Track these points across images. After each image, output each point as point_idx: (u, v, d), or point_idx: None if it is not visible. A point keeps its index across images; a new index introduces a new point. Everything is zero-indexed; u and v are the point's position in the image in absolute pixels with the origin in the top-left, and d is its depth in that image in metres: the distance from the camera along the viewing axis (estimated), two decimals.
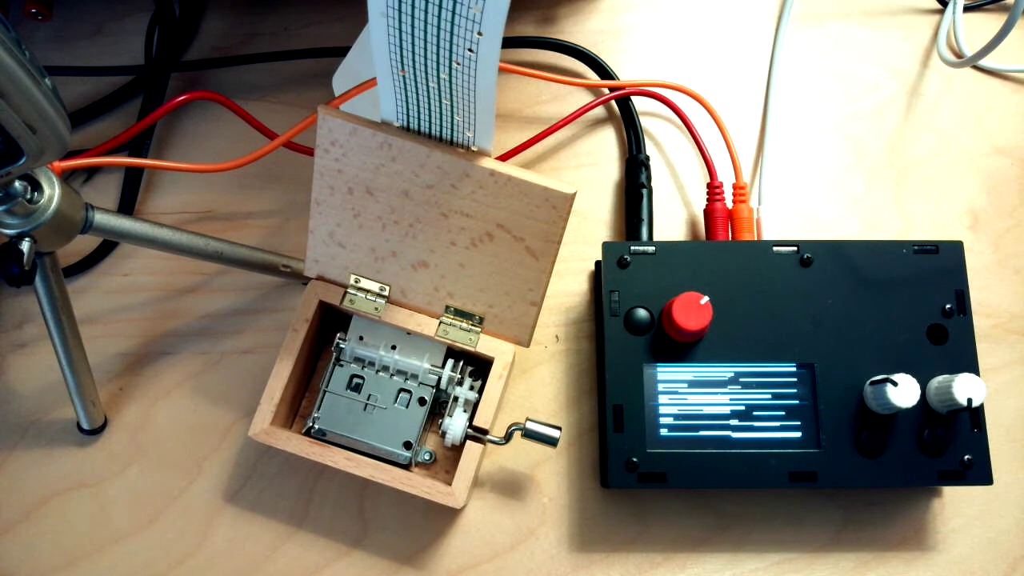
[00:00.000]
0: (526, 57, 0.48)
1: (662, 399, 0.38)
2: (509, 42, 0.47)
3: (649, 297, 0.39)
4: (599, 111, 0.47)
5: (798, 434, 0.38)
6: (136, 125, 0.42)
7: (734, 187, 0.43)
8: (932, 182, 0.46)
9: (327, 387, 0.39)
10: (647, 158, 0.45)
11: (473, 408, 0.38)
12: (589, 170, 0.46)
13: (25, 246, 0.31)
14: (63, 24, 0.49)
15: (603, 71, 0.47)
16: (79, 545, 0.40)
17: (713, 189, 0.43)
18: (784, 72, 0.48)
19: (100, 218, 0.35)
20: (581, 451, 0.41)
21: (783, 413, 0.38)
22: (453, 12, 0.27)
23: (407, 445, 0.39)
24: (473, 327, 0.38)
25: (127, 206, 0.45)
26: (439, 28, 0.28)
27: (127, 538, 0.40)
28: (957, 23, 0.48)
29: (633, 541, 0.40)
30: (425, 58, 0.30)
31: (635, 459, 0.37)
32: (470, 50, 0.28)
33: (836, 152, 0.46)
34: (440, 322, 0.39)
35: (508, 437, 0.38)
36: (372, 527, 0.40)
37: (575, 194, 0.35)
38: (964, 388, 0.35)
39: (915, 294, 0.38)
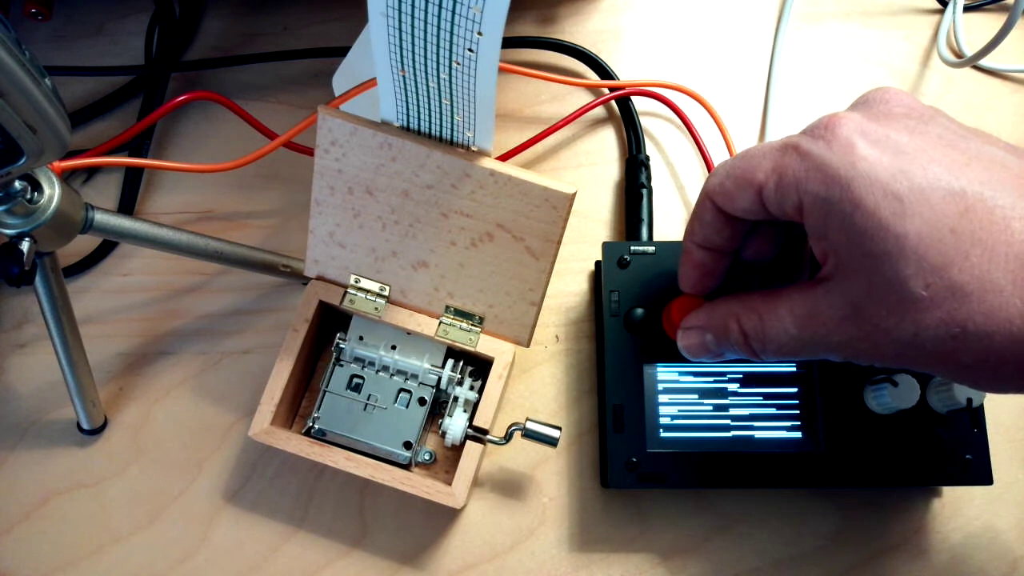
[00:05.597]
0: (526, 57, 0.48)
1: (662, 399, 0.38)
2: (509, 42, 0.47)
3: (649, 297, 0.39)
4: (599, 111, 0.47)
5: (798, 434, 0.38)
6: (136, 125, 0.42)
7: None
8: None
9: (327, 387, 0.39)
10: (647, 158, 0.45)
11: (473, 408, 0.38)
12: (589, 170, 0.46)
13: (25, 246, 0.31)
14: (63, 24, 0.49)
15: (603, 71, 0.47)
16: (79, 545, 0.40)
17: None
18: (784, 72, 0.48)
19: (100, 218, 0.35)
20: (581, 451, 0.41)
21: (783, 413, 0.38)
22: (453, 12, 0.27)
23: (407, 445, 0.39)
24: (473, 327, 0.38)
25: (127, 206, 0.45)
26: (439, 28, 0.28)
27: (127, 538, 0.40)
28: (957, 23, 0.48)
29: (633, 541, 0.40)
30: (425, 58, 0.30)
31: (635, 459, 0.37)
32: (470, 50, 0.28)
33: None
34: (440, 322, 0.39)
35: (508, 437, 0.38)
36: (372, 527, 0.40)
37: (575, 194, 0.35)
38: (964, 388, 0.35)
39: None
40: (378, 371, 0.40)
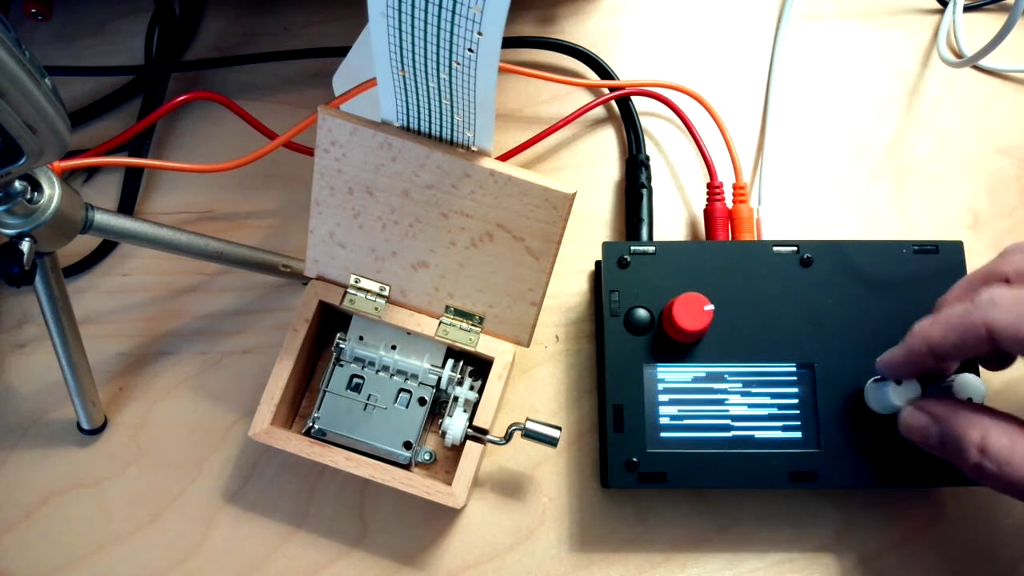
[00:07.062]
0: (526, 57, 0.48)
1: (662, 399, 0.38)
2: (509, 42, 0.47)
3: (649, 297, 0.39)
4: (599, 111, 0.47)
5: (798, 434, 0.38)
6: (136, 125, 0.42)
7: (734, 187, 0.43)
8: (932, 182, 0.46)
9: (327, 387, 0.39)
10: (647, 158, 0.45)
11: (473, 408, 0.38)
12: (589, 170, 0.46)
13: (25, 246, 0.31)
14: (63, 24, 0.49)
15: (603, 71, 0.47)
16: (79, 545, 0.40)
17: (713, 189, 0.43)
18: (784, 72, 0.48)
19: (100, 218, 0.35)
20: (581, 451, 0.41)
21: (783, 413, 0.38)
22: (453, 12, 0.27)
23: (407, 445, 0.39)
24: (473, 327, 0.38)
25: (127, 206, 0.45)
26: (439, 28, 0.28)
27: (127, 538, 0.40)
28: (957, 23, 0.48)
29: (633, 541, 0.40)
30: (425, 58, 0.30)
31: (635, 459, 0.37)
32: (470, 50, 0.28)
33: (836, 152, 0.46)
34: (440, 322, 0.39)
35: (508, 437, 0.38)
36: (372, 527, 0.40)
37: (575, 194, 0.35)
38: (964, 388, 0.35)
39: (915, 294, 0.38)
40: (378, 371, 0.40)
